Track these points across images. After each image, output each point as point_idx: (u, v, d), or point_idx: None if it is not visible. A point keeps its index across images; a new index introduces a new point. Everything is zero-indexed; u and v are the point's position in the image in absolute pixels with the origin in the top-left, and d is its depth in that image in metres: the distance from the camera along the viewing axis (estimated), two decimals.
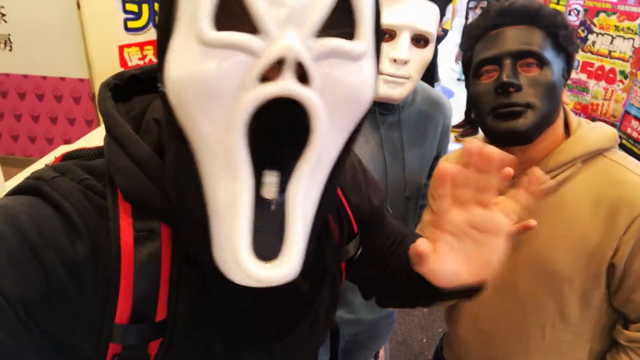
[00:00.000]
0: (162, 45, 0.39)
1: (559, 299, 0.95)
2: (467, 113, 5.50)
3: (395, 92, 1.06)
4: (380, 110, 1.17)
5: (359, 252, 0.66)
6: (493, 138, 0.94)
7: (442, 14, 1.14)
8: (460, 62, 5.60)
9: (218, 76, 0.35)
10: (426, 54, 1.08)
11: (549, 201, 0.94)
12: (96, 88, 3.52)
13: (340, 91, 0.38)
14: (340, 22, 0.37)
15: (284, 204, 0.38)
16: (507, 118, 0.88)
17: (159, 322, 0.45)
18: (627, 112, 3.24)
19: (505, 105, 0.88)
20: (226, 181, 0.37)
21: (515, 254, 0.97)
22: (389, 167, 1.19)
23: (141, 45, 3.26)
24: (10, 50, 3.55)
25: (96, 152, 0.49)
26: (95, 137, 2.16)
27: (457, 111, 5.73)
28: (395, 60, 1.02)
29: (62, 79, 3.65)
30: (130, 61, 3.34)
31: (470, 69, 0.98)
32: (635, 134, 3.08)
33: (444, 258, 0.52)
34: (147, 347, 0.46)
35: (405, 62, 1.03)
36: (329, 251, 0.57)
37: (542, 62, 0.88)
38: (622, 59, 3.70)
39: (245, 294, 0.41)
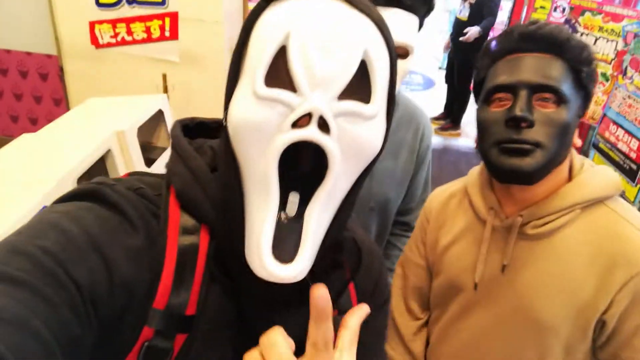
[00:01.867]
0: (229, 91, 0.52)
1: (541, 348, 0.91)
2: (447, 106, 5.48)
3: None
4: None
5: None
6: (494, 172, 0.88)
7: (421, 25, 1.12)
8: (446, 52, 5.55)
9: (264, 120, 0.47)
10: (406, 64, 1.07)
11: (542, 246, 0.89)
12: (65, 64, 3.34)
13: (353, 142, 0.49)
14: (359, 89, 0.49)
15: (302, 221, 0.49)
16: (513, 155, 0.82)
17: (188, 316, 0.52)
18: (605, 115, 3.25)
19: (513, 141, 0.81)
20: (260, 198, 0.48)
21: (501, 298, 0.94)
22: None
23: (113, 23, 3.09)
24: None
25: (157, 175, 0.61)
26: (66, 119, 2.02)
27: (437, 102, 5.74)
28: None
29: (28, 53, 3.46)
30: (102, 38, 3.17)
31: (482, 91, 0.91)
32: (612, 139, 3.10)
33: None
34: (174, 339, 0.52)
35: None
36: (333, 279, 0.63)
37: (560, 100, 0.81)
38: (605, 61, 3.71)
39: (267, 289, 0.51)
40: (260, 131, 0.47)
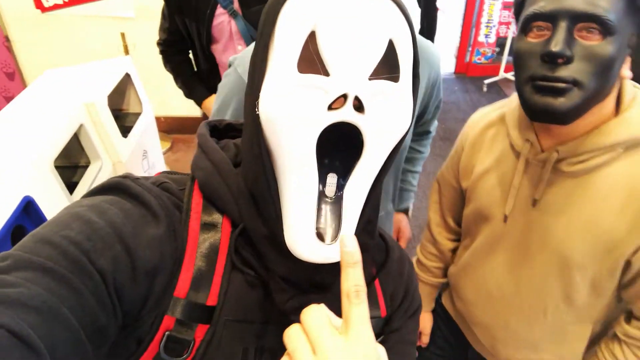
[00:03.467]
0: (257, 81, 0.52)
1: (567, 284, 0.91)
2: None
3: None
4: None
5: (378, 339, 0.65)
6: (526, 110, 0.82)
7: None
8: None
9: (300, 106, 0.47)
10: None
11: (577, 185, 0.85)
12: (10, 33, 3.08)
13: (385, 120, 0.50)
14: (386, 69, 0.50)
15: (341, 200, 0.51)
16: (547, 93, 0.76)
17: (209, 307, 0.53)
18: None
19: (548, 79, 0.75)
20: (300, 183, 0.50)
21: (530, 233, 0.94)
22: None
23: None
24: None
25: (185, 174, 0.63)
26: (27, 97, 1.84)
27: None
28: None
29: None
30: (47, 1, 2.91)
31: (520, 16, 0.82)
32: None
33: None
34: (195, 330, 0.52)
35: None
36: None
37: (607, 31, 0.72)
38: None
39: (301, 273, 0.54)
40: (297, 118, 0.47)
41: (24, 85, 3.36)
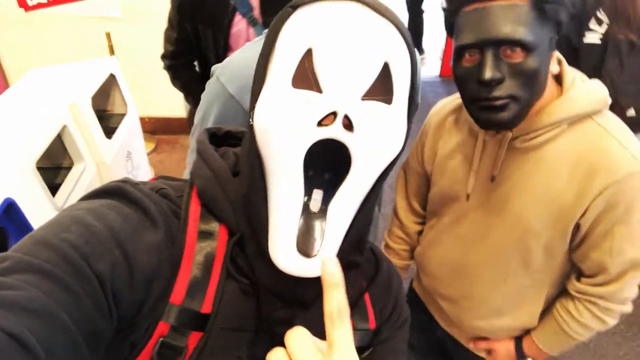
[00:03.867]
0: (256, 91, 0.54)
1: (524, 250, 1.01)
2: None
3: None
4: None
5: (367, 351, 0.66)
6: (477, 122, 0.93)
7: None
8: None
9: (291, 120, 0.49)
10: None
11: (529, 159, 0.95)
12: None
13: (375, 141, 0.50)
14: (382, 90, 0.51)
15: (325, 217, 0.52)
16: (490, 111, 0.86)
17: (203, 315, 0.53)
18: None
19: (487, 99, 0.85)
20: (285, 195, 0.50)
21: (490, 207, 1.03)
22: None
23: None
24: None
25: (183, 180, 0.63)
26: (10, 97, 1.82)
27: None
28: None
29: None
30: (31, 0, 2.88)
31: (453, 41, 0.91)
32: None
33: None
34: (188, 337, 0.53)
35: None
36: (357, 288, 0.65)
37: (528, 49, 0.82)
38: None
39: (288, 288, 0.54)
40: (287, 130, 0.49)
41: (6, 84, 3.32)
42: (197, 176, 0.58)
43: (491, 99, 0.84)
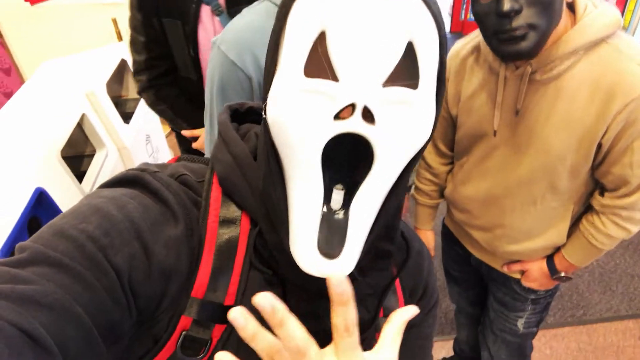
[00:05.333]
0: (268, 79, 0.49)
1: (552, 174, 1.07)
2: None
3: None
4: None
5: None
6: (498, 56, 1.00)
7: None
8: None
9: (304, 114, 0.44)
10: None
11: (550, 89, 1.00)
12: (3, 29, 3.07)
13: (400, 131, 0.45)
14: (406, 74, 0.45)
15: (347, 214, 0.48)
16: (511, 42, 0.90)
17: (226, 307, 0.51)
18: None
19: (507, 31, 0.88)
20: (304, 191, 0.47)
21: (517, 139, 1.08)
22: None
23: None
24: None
25: (204, 160, 0.61)
26: (27, 91, 1.85)
27: None
28: None
29: None
30: None
31: None
32: None
33: None
34: (212, 329, 0.51)
35: None
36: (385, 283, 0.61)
37: None
38: None
39: (311, 281, 0.49)
40: (301, 125, 0.44)
41: (21, 79, 3.37)
42: (218, 161, 0.55)
43: (511, 29, 0.88)
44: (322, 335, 0.53)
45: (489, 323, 1.49)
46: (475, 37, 1.17)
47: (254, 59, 1.01)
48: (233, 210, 0.54)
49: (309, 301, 0.55)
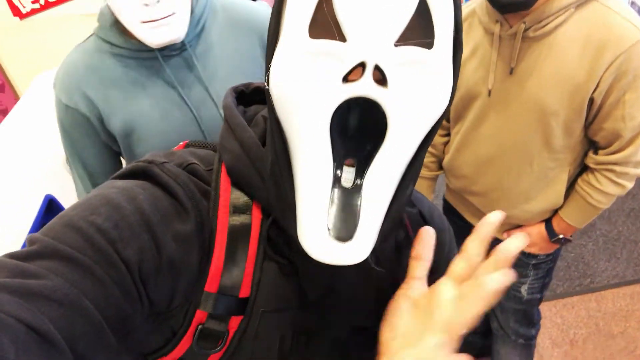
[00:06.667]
0: (270, 51, 0.46)
1: (546, 131, 1.10)
2: None
3: (165, 35, 0.94)
4: (164, 54, 1.02)
5: None
6: (496, 6, 1.03)
7: None
8: None
9: (310, 77, 0.41)
10: None
11: (543, 46, 1.04)
12: None
13: (415, 96, 0.41)
14: (420, 32, 0.41)
15: (360, 192, 0.43)
16: None
17: (242, 298, 0.51)
18: None
19: None
20: (311, 168, 0.43)
21: (511, 97, 1.12)
22: (198, 112, 1.07)
23: None
24: None
25: (213, 145, 0.59)
26: (24, 105, 1.86)
27: None
28: (146, 5, 0.90)
29: None
30: (23, 7, 2.90)
31: None
32: None
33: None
34: (228, 322, 0.51)
35: (158, 1, 0.91)
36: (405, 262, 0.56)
37: None
38: None
39: (325, 271, 0.46)
40: (307, 91, 0.41)
41: (15, 95, 3.38)
42: (225, 150, 0.53)
43: None
44: (338, 326, 0.55)
45: None
46: (470, 3, 1.20)
47: (84, 97, 1.01)
48: (244, 200, 0.52)
49: (326, 293, 0.54)
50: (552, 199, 1.21)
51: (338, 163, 0.44)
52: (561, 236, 1.26)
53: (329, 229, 0.43)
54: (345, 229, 0.43)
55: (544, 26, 1.01)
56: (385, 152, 0.42)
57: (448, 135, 1.37)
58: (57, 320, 0.37)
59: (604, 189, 1.13)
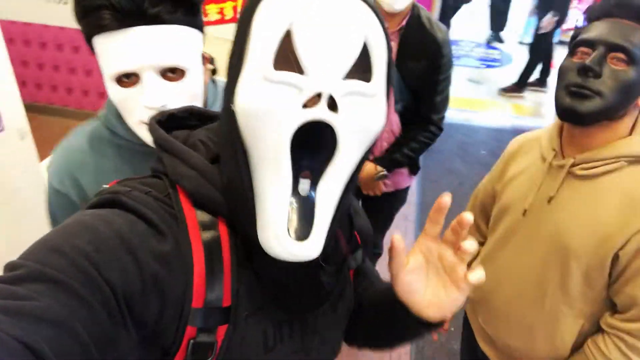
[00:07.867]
0: (234, 76, 0.52)
1: (563, 272, 1.06)
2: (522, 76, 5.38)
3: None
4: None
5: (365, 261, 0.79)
6: (557, 110, 1.02)
7: (202, 31, 0.91)
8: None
9: (275, 103, 0.48)
10: (187, 85, 0.86)
11: (586, 186, 1.03)
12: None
13: (359, 120, 0.52)
14: (360, 70, 0.51)
15: (314, 199, 0.53)
16: (576, 97, 0.95)
17: (225, 307, 0.55)
18: None
19: (578, 85, 0.95)
20: (273, 179, 0.50)
21: (541, 225, 1.11)
22: None
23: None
24: (66, 3, 3.49)
25: (147, 175, 0.60)
26: None
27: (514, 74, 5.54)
28: (150, 109, 0.84)
29: (61, 28, 3.75)
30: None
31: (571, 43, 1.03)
32: None
33: (411, 271, 0.61)
34: (216, 332, 0.54)
35: (163, 107, 0.84)
36: (340, 252, 0.69)
37: (631, 60, 0.92)
38: None
39: (282, 270, 0.56)
40: (272, 114, 0.48)
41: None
42: (181, 177, 0.56)
43: (582, 86, 0.93)
44: (300, 327, 0.64)
45: None
46: (539, 130, 1.24)
47: (73, 182, 0.97)
48: (209, 218, 0.56)
49: (284, 293, 0.60)
50: (558, 343, 1.13)
51: (295, 174, 0.51)
52: None
53: (288, 231, 0.50)
54: (303, 230, 0.51)
55: (592, 168, 1.01)
56: (335, 165, 0.52)
57: (482, 244, 1.34)
58: (48, 340, 0.38)
59: (610, 357, 1.02)
